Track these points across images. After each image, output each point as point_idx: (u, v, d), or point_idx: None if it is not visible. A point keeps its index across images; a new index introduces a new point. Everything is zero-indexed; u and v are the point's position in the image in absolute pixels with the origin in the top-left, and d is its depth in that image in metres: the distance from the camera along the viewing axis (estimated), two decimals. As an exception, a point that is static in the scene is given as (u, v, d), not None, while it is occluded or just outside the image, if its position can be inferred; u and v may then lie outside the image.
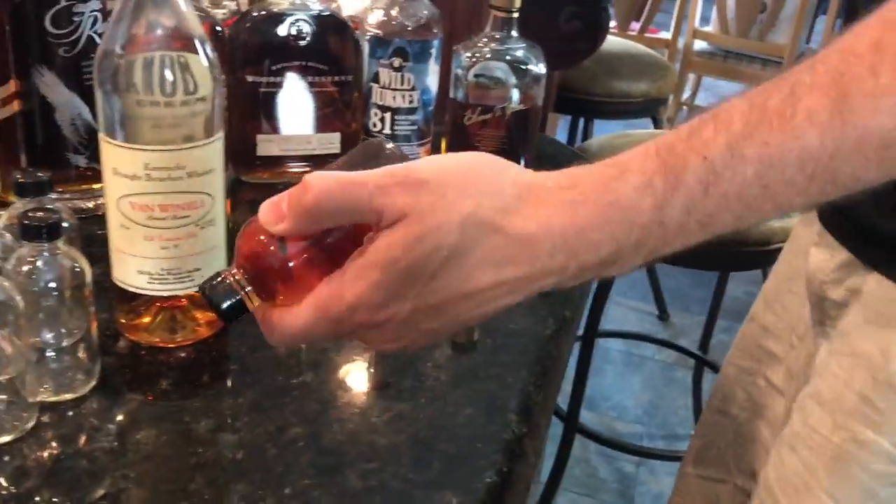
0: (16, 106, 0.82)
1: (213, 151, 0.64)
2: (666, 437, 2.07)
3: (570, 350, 0.82)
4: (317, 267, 0.46)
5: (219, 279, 0.47)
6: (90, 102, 0.82)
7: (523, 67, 0.93)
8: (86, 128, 0.83)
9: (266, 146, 0.95)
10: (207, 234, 0.66)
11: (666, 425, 2.11)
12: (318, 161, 0.98)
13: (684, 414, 2.15)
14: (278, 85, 0.92)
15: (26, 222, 0.57)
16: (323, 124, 0.96)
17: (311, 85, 0.94)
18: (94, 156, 0.84)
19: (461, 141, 0.97)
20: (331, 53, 0.93)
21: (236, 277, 0.46)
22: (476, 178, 0.45)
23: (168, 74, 0.61)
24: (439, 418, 0.64)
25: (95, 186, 0.85)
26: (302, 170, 0.98)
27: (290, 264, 0.46)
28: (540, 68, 0.93)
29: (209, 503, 0.55)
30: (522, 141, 0.96)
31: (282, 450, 0.59)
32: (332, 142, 0.97)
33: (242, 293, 0.46)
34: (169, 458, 0.58)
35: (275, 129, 0.94)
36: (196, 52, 0.62)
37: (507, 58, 0.93)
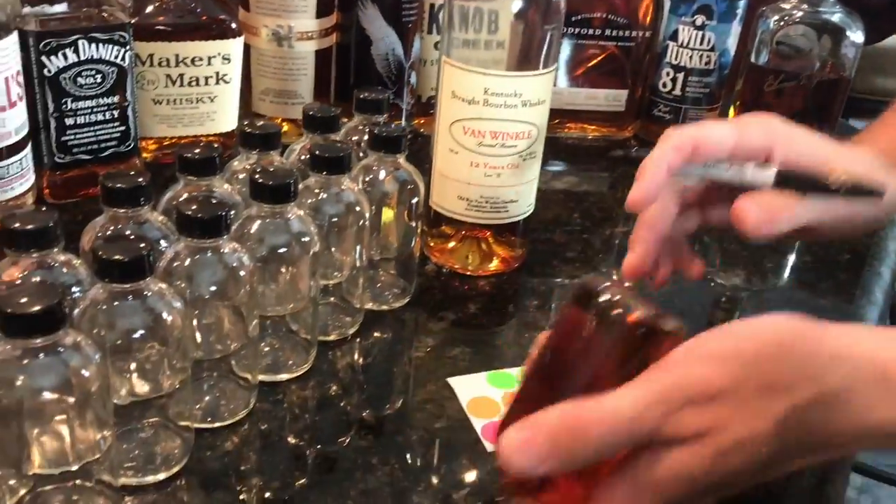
0: (334, 38, 0.86)
1: (547, 82, 0.64)
2: None
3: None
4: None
5: None
6: (404, 40, 0.85)
7: (838, 34, 0.87)
8: (396, 64, 0.86)
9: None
10: (528, 167, 0.67)
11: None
12: (600, 119, 0.97)
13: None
14: (571, 35, 0.92)
15: (377, 132, 0.60)
16: (609, 81, 0.95)
17: (604, 39, 0.93)
18: (399, 92, 0.87)
19: (755, 108, 0.92)
20: (629, 7, 0.92)
21: None
22: (784, 362, 0.37)
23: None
24: None
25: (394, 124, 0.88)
26: (584, 125, 0.97)
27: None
28: (857, 36, 0.87)
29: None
30: (825, 114, 0.90)
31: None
32: (618, 99, 0.96)
33: None
34: (484, 376, 0.59)
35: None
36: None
37: (819, 22, 0.87)
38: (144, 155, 0.80)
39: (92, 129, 0.73)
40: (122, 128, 0.74)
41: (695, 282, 0.58)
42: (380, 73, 0.85)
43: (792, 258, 0.79)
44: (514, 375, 0.57)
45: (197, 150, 0.55)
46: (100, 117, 0.73)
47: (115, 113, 0.73)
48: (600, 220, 0.82)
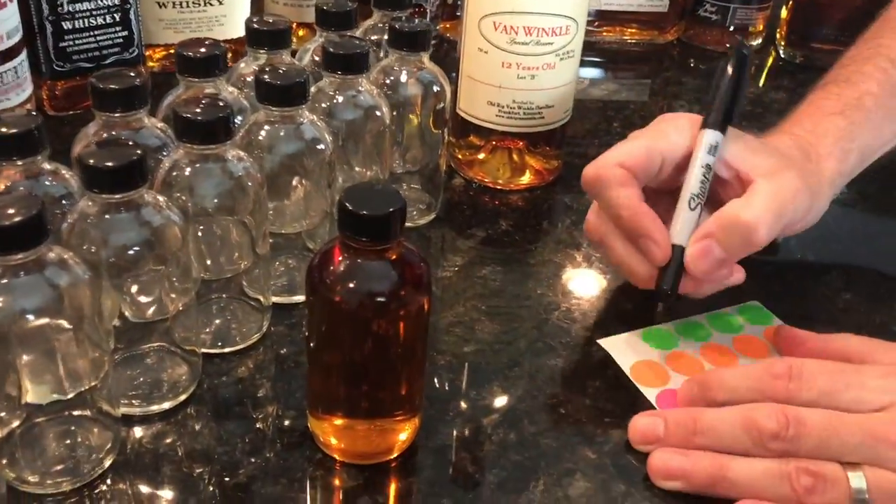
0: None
1: (587, -29, 0.57)
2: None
3: None
4: None
5: None
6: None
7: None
8: (419, -40, 0.79)
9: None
10: (566, 68, 0.60)
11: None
12: (640, 21, 0.89)
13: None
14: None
15: (398, 27, 0.54)
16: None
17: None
18: (423, -9, 0.80)
19: (811, 7, 0.85)
20: None
21: None
22: None
23: None
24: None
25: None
26: (622, 28, 0.90)
27: None
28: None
29: (565, 346, 0.50)
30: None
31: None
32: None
33: None
34: (517, 296, 0.54)
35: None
36: None
37: None
38: (150, 64, 0.74)
39: (92, 33, 0.67)
40: (125, 32, 0.69)
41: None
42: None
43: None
44: (672, 333, 0.51)
45: (200, 49, 0.49)
46: (100, 21, 0.67)
47: (117, 16, 0.68)
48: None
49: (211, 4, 0.74)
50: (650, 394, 0.47)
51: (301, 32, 0.80)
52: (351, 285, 0.38)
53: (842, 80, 0.54)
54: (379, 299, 0.38)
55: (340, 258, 0.38)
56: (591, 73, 0.86)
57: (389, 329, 0.38)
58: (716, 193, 0.49)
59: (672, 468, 0.41)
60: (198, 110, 0.42)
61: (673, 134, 0.49)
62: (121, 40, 0.69)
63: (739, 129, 0.50)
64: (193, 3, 0.74)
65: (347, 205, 0.36)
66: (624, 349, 0.50)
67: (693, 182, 0.48)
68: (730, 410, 0.41)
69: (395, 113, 0.56)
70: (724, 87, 0.49)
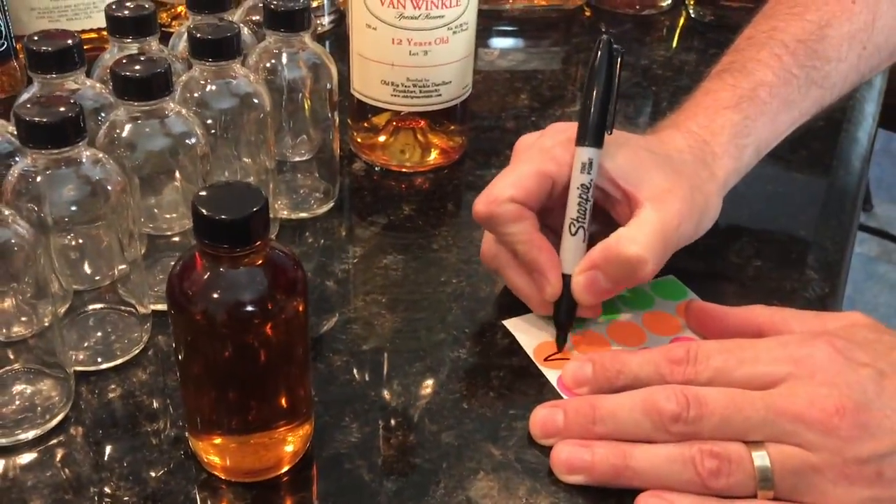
0: None
1: (474, -63, 0.54)
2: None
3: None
4: None
5: None
6: None
7: None
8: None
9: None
10: (460, 42, 0.58)
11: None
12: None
13: (885, 311, 1.96)
14: None
15: (273, 6, 0.50)
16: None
17: None
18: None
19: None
20: None
21: None
22: None
23: None
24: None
25: (314, 4, 0.78)
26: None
27: None
28: None
29: (468, 336, 0.48)
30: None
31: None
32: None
33: None
34: (420, 285, 0.52)
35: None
36: None
37: None
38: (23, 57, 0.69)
39: (-48, 28, 0.62)
40: (-9, 25, 0.64)
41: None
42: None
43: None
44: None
45: (52, 42, 0.45)
46: (-41, 14, 0.62)
47: (-21, 8, 0.63)
48: (550, 99, 0.74)
49: (86, -10, 0.69)
50: (552, 376, 0.45)
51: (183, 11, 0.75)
52: (214, 296, 0.35)
53: (737, 68, 0.52)
54: (246, 310, 0.35)
55: (201, 267, 0.35)
56: (501, 42, 0.84)
57: (261, 340, 0.35)
58: (606, 210, 0.47)
59: (574, 462, 0.39)
60: (44, 111, 0.39)
61: (559, 151, 0.46)
62: (-13, 34, 0.64)
63: (626, 130, 0.47)
64: (67, -11, 0.69)
65: (201, 209, 0.33)
66: (528, 329, 0.48)
67: (570, 206, 0.45)
68: (629, 395, 0.39)
69: (281, 97, 0.52)
70: (595, 94, 0.45)
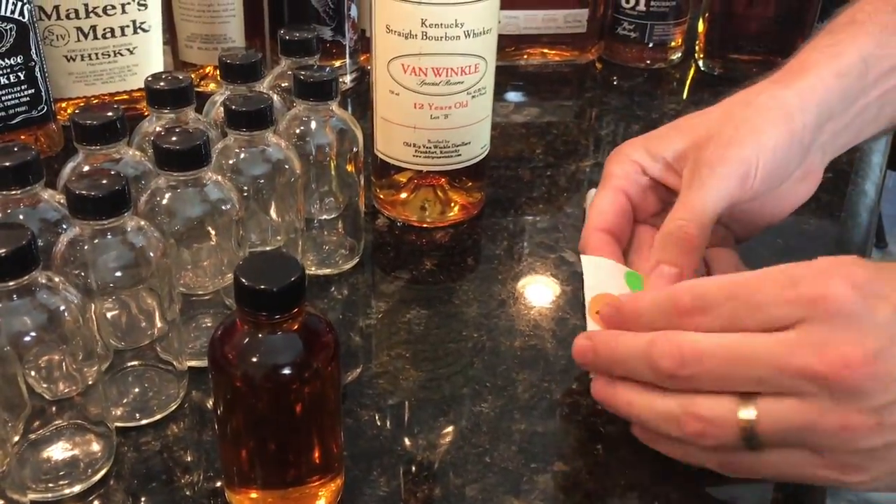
0: (263, -27, 0.79)
1: (492, 7, 0.57)
2: None
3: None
4: None
5: None
6: (340, -31, 0.77)
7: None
8: (333, -3, 0.78)
9: (509, 24, 0.88)
10: (478, 105, 0.60)
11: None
12: (561, 42, 0.90)
13: None
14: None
15: (302, 77, 0.53)
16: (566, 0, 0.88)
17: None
18: (340, 28, 0.80)
19: (726, 20, 0.86)
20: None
21: None
22: None
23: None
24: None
25: (336, 63, 0.82)
26: (544, 51, 0.90)
27: None
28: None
29: (489, 390, 0.50)
30: (800, 21, 0.83)
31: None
32: (578, 19, 0.89)
33: None
34: (442, 339, 0.54)
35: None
36: None
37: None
38: (61, 119, 0.73)
39: (-4, 94, 0.66)
40: (31, 91, 0.67)
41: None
42: (316, 8, 0.77)
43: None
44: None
45: (97, 116, 0.48)
46: (3, 81, 0.66)
47: (21, 75, 0.66)
48: (565, 153, 0.76)
49: (121, 55, 0.73)
50: (592, 327, 0.45)
51: (211, 71, 0.79)
52: (254, 360, 0.37)
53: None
54: (283, 372, 0.37)
55: (241, 331, 0.37)
56: (516, 97, 0.87)
57: (297, 401, 0.38)
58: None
59: (603, 398, 0.43)
60: (92, 184, 0.41)
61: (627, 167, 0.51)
62: (28, 98, 0.67)
63: None
64: (103, 54, 0.72)
65: (243, 279, 0.35)
66: (597, 274, 0.47)
67: None
68: (636, 343, 0.40)
69: (310, 161, 0.55)
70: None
